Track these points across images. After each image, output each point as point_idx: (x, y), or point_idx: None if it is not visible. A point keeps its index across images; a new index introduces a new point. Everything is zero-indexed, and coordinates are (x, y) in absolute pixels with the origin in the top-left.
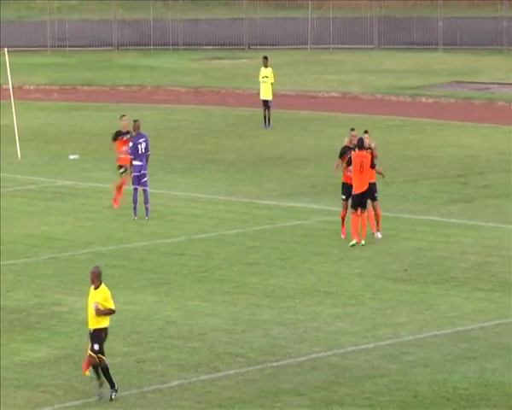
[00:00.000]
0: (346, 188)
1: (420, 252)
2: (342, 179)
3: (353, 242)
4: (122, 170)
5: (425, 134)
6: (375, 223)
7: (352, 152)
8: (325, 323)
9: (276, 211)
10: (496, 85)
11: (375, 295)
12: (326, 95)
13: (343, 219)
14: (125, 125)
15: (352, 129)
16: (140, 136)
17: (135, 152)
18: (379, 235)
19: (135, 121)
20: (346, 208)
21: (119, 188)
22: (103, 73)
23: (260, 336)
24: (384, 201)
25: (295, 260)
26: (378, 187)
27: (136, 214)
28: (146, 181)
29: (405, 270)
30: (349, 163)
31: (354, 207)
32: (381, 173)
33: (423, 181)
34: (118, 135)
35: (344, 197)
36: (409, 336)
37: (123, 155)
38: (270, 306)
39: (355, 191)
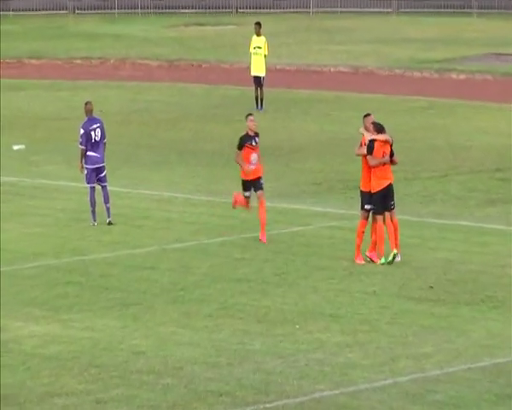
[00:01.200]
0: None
1: (449, 265)
2: (363, 187)
3: (390, 258)
4: (247, 194)
5: (455, 118)
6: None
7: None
8: (331, 354)
9: (270, 214)
10: None
11: (394, 319)
12: (333, 70)
13: (360, 236)
14: (253, 126)
15: (367, 115)
16: (92, 121)
17: (87, 141)
18: (398, 257)
19: (86, 103)
20: (366, 220)
21: (242, 204)
22: (56, 44)
23: (251, 370)
24: (404, 202)
25: (294, 275)
26: (397, 185)
27: (95, 219)
28: (105, 176)
29: (431, 287)
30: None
31: (379, 211)
32: None
33: (453, 177)
34: (245, 140)
35: (368, 207)
36: (436, 371)
37: (253, 166)
38: (262, 333)
39: (378, 188)
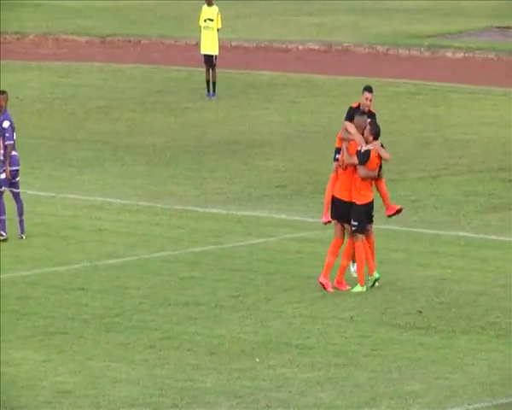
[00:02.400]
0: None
1: (443, 285)
2: (339, 195)
3: (370, 283)
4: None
5: (450, 106)
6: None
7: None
8: (299, 393)
9: (225, 223)
10: None
11: (375, 350)
12: (301, 47)
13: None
14: (367, 102)
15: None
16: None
17: (12, 136)
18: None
19: (2, 93)
20: (342, 234)
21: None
22: None
23: None
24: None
25: (254, 298)
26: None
27: (4, 230)
28: (18, 182)
29: (420, 312)
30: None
31: (363, 227)
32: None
33: (448, 177)
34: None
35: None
36: None
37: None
38: (215, 368)
39: (365, 200)
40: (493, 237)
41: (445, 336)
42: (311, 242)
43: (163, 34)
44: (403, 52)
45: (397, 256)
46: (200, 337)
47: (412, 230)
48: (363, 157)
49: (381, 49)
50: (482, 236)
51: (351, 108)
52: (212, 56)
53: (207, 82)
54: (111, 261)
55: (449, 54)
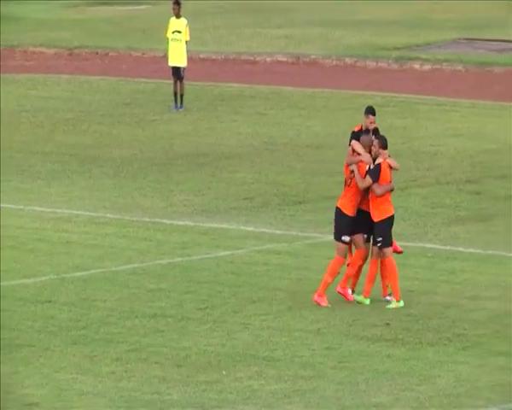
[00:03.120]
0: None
1: (410, 297)
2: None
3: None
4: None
5: (418, 118)
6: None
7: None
8: (266, 405)
9: (192, 235)
10: None
11: (342, 362)
12: (269, 59)
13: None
14: (371, 126)
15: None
16: None
17: None
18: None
19: None
20: (345, 257)
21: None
22: None
23: None
24: None
25: (221, 310)
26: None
27: None
28: None
29: (387, 324)
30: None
31: (389, 242)
32: None
33: (415, 189)
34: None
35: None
36: None
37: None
38: (182, 380)
39: (387, 214)
40: (460, 248)
41: (412, 347)
42: (279, 254)
43: (131, 46)
44: (370, 64)
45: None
46: (167, 350)
47: None
48: (375, 173)
49: (348, 61)
50: (449, 247)
51: (353, 132)
52: (179, 68)
53: (175, 94)
54: (78, 274)
55: (417, 66)
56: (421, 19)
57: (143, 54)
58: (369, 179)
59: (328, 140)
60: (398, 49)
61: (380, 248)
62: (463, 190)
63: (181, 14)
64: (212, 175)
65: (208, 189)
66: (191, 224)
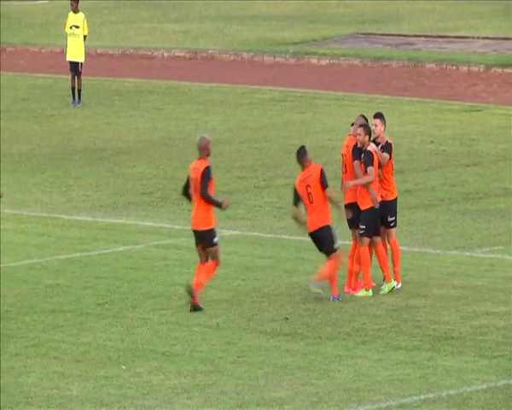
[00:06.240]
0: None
1: (309, 291)
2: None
3: (392, 284)
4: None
5: (316, 113)
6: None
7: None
8: (166, 400)
9: (91, 231)
10: (422, 39)
11: (241, 357)
12: (166, 54)
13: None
14: (375, 129)
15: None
16: None
17: None
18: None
19: None
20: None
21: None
22: None
23: None
24: (255, 214)
25: (120, 305)
26: (245, 195)
27: None
28: None
29: (287, 319)
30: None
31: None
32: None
33: None
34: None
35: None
36: None
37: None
38: (81, 375)
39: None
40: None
41: (311, 342)
42: (178, 249)
43: (28, 41)
44: (268, 59)
45: (263, 263)
46: (66, 345)
47: (278, 236)
48: (369, 157)
49: (246, 56)
50: (348, 242)
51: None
52: (77, 63)
53: (73, 89)
54: None
55: (314, 60)
56: (317, 13)
57: (41, 49)
58: (373, 173)
59: (226, 135)
60: (296, 43)
61: (360, 235)
62: None
63: (79, 8)
64: (110, 170)
65: (106, 184)
66: (90, 219)
